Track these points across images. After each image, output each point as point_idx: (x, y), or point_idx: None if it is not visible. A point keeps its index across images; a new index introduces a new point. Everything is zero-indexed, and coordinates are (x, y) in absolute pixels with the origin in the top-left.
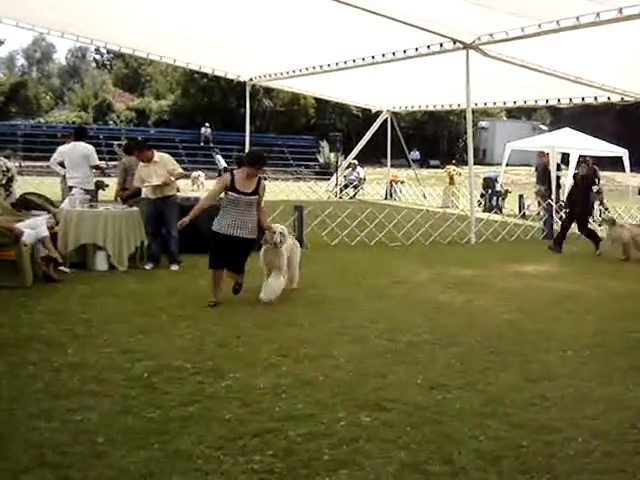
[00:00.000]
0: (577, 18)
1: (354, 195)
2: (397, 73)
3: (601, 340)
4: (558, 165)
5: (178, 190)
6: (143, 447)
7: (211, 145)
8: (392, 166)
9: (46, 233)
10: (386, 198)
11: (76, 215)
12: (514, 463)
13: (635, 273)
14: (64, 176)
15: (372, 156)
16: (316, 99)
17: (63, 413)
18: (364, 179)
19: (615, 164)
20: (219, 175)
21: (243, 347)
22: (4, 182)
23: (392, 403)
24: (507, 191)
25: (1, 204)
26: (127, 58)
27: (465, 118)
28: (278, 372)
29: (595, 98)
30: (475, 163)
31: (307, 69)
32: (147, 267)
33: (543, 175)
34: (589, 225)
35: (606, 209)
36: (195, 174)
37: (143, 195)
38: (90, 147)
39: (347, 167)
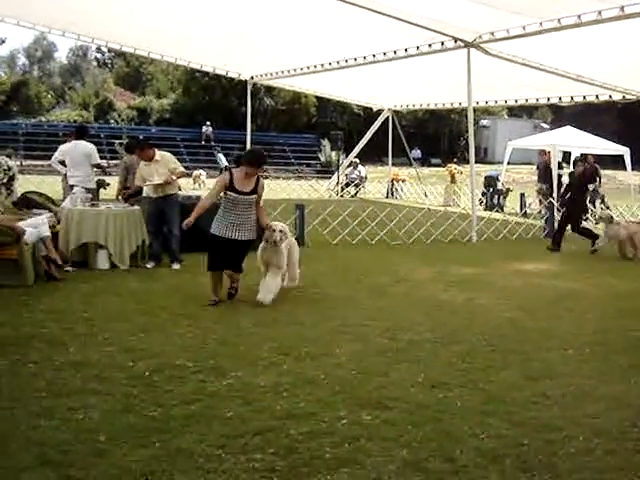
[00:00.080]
0: (579, 16)
1: (355, 194)
2: (398, 71)
3: (602, 338)
4: (559, 163)
5: (179, 189)
6: (145, 445)
7: (212, 144)
8: (393, 164)
9: (48, 233)
10: (387, 197)
11: (77, 214)
12: (515, 461)
13: (636, 271)
14: (65, 175)
15: (373, 154)
16: (317, 98)
17: (65, 412)
18: (365, 178)
19: (616, 163)
20: (221, 174)
21: (244, 346)
22: (5, 181)
23: (393, 401)
24: (508, 189)
25: (2, 203)
26: (128, 57)
27: (466, 116)
28: (279, 370)
29: (597, 96)
30: (476, 161)
31: (308, 68)
32: (148, 266)
33: (544, 173)
34: (583, 223)
35: (607, 207)
36: (196, 173)
37: (144, 194)
38: (91, 146)
39: (348, 166)
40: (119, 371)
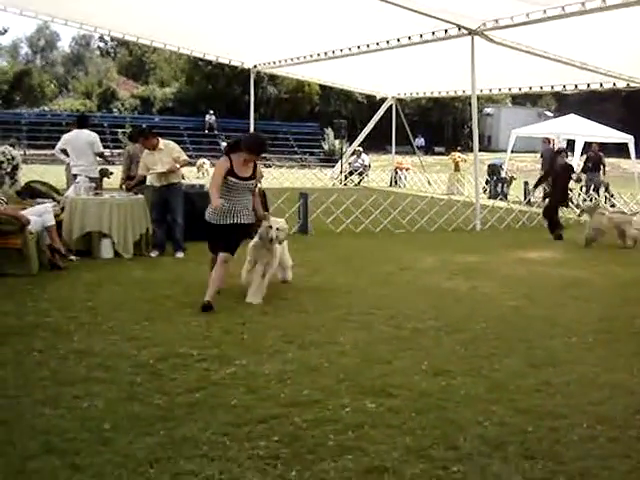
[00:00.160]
0: (583, 4)
1: (359, 182)
2: (402, 59)
3: (606, 326)
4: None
5: (183, 177)
6: (149, 433)
7: (215, 132)
8: (397, 153)
9: (52, 222)
10: (391, 185)
11: (81, 203)
12: (519, 449)
13: None
14: (68, 164)
15: (377, 143)
16: (321, 86)
17: (69, 400)
18: (369, 166)
19: (620, 150)
20: None
21: (248, 334)
22: (9, 170)
23: (397, 389)
24: (512, 178)
25: (6, 192)
26: (131, 46)
27: (470, 104)
28: (283, 358)
29: (601, 84)
30: (480, 150)
31: (311, 56)
32: (152, 254)
33: (549, 162)
34: (560, 213)
35: (612, 196)
36: (200, 161)
37: (148, 183)
38: (94, 134)
39: (352, 154)
40: (123, 360)
